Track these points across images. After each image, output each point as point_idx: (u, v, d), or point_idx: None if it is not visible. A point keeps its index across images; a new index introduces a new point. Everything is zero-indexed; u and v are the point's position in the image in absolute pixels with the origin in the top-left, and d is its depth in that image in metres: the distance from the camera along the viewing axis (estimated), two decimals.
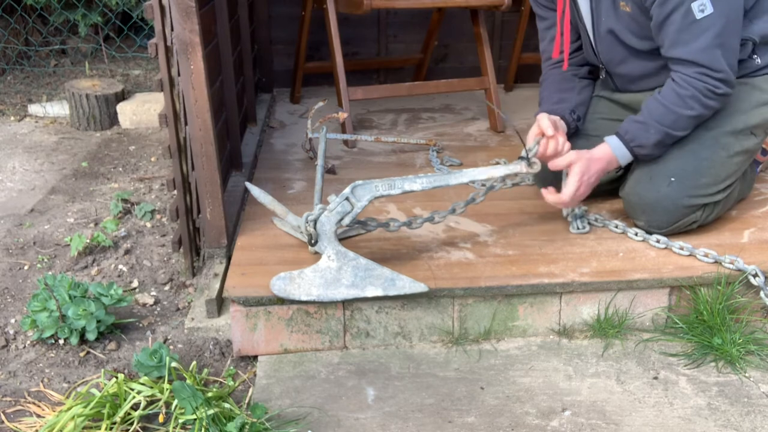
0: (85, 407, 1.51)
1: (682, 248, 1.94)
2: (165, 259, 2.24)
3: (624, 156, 1.96)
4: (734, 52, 1.86)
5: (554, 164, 1.95)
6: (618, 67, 2.11)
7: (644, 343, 1.84)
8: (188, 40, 1.80)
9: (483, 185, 2.16)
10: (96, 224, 2.45)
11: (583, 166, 1.92)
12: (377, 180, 1.84)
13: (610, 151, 1.96)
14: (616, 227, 2.06)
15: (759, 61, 1.96)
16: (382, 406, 1.62)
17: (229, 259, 2.01)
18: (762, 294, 1.84)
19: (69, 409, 1.52)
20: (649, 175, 1.98)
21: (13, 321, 1.95)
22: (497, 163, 2.63)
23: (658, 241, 1.98)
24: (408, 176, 1.87)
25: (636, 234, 2.02)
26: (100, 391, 1.56)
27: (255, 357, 1.81)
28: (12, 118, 3.65)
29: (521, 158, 1.97)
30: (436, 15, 3.46)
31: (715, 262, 1.88)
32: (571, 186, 1.92)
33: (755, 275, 1.84)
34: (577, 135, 2.18)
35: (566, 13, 2.07)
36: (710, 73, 1.83)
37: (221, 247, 2.02)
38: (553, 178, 2.13)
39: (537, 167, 1.96)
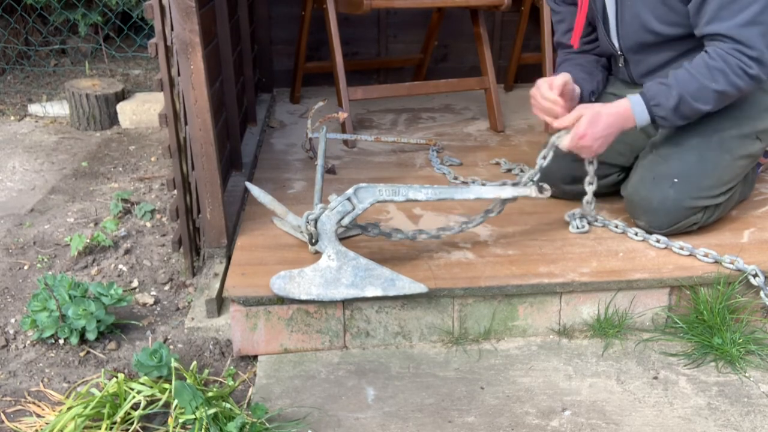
0: (85, 407, 1.51)
1: (682, 248, 1.94)
2: (165, 258, 2.24)
3: (641, 114, 1.89)
4: None
5: (560, 122, 1.91)
6: (637, 55, 2.08)
7: (644, 343, 1.84)
8: (188, 40, 1.80)
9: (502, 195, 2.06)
10: (96, 224, 2.45)
11: (589, 117, 1.87)
12: (381, 185, 1.84)
13: (629, 106, 1.89)
14: (616, 227, 2.06)
15: None
16: (382, 405, 1.62)
17: (229, 258, 2.01)
18: (762, 294, 1.84)
19: (69, 409, 1.52)
20: (652, 175, 1.98)
21: (13, 321, 1.95)
22: (497, 163, 2.63)
23: (658, 241, 1.98)
24: (413, 185, 1.86)
25: (636, 234, 2.02)
26: (100, 391, 1.56)
27: (255, 357, 1.81)
28: (12, 117, 3.65)
29: (532, 182, 1.95)
30: (436, 15, 3.46)
31: (715, 262, 1.88)
32: (570, 138, 1.89)
33: (755, 275, 1.84)
34: None
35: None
36: (744, 50, 1.78)
37: (221, 247, 2.02)
38: (559, 176, 2.13)
39: (548, 194, 1.95)
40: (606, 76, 2.27)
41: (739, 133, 1.96)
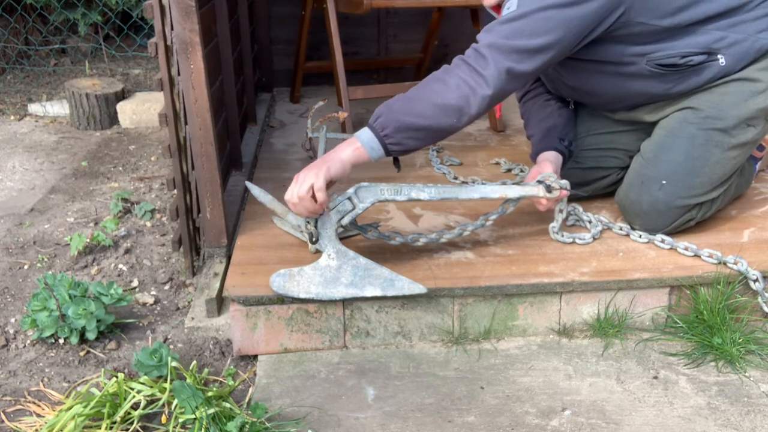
0: (85, 407, 1.51)
1: (687, 249, 1.93)
2: (165, 258, 2.24)
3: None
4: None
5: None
6: (584, 97, 2.10)
7: (644, 342, 1.84)
8: (188, 39, 1.80)
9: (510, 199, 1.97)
10: (96, 224, 2.45)
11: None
12: (383, 184, 1.82)
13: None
14: (621, 229, 2.05)
15: (723, 60, 1.87)
16: (382, 405, 1.62)
17: (229, 258, 2.01)
18: (760, 300, 1.84)
19: (69, 408, 1.52)
20: (641, 179, 1.98)
21: (13, 320, 1.95)
22: (497, 163, 2.63)
23: (663, 241, 1.97)
24: (416, 184, 1.83)
25: (640, 236, 2.00)
26: (100, 391, 1.56)
27: (255, 356, 1.81)
28: (12, 117, 3.65)
29: (539, 182, 1.91)
30: (436, 15, 3.46)
31: (719, 263, 1.87)
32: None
33: (756, 280, 1.83)
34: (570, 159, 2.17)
35: None
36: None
37: (221, 247, 2.02)
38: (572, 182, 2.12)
39: (556, 193, 1.90)
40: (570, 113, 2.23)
41: (724, 127, 1.90)
